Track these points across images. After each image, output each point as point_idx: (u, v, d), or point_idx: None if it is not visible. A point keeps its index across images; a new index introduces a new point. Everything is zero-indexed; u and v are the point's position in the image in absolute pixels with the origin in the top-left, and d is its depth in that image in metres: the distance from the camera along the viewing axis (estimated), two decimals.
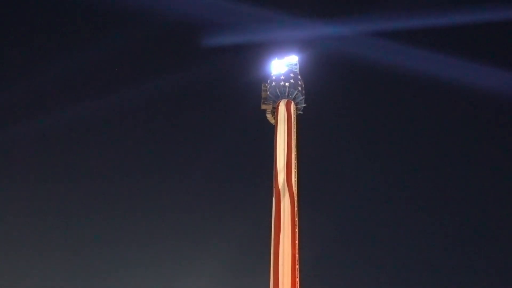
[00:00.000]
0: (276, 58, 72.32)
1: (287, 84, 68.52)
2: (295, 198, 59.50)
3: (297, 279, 54.75)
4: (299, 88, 68.86)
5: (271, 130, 66.98)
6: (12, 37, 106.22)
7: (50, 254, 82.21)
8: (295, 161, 62.68)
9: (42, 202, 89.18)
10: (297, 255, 55.78)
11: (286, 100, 67.85)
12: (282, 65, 71.45)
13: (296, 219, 58.21)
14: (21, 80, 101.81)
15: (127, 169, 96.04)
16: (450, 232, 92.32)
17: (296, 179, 61.35)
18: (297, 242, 56.54)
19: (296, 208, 58.86)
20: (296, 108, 68.38)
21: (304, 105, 69.19)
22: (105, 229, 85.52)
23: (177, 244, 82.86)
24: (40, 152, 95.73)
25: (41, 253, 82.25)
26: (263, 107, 69.32)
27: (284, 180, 60.48)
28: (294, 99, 68.33)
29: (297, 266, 55.29)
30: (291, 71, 70.64)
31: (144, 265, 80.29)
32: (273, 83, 69.17)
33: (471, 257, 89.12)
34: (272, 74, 70.81)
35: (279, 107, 67.34)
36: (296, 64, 72.06)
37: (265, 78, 71.28)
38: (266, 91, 69.48)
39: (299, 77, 70.30)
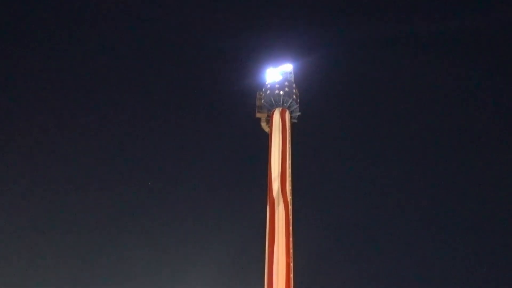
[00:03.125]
0: (271, 67, 72.35)
1: (281, 92, 68.50)
2: (290, 207, 59.20)
3: None
4: (294, 97, 68.82)
5: (266, 139, 66.86)
6: (13, 38, 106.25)
7: (46, 257, 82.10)
8: (290, 170, 62.50)
9: (41, 204, 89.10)
10: (291, 264, 55.35)
11: (280, 109, 67.78)
12: (277, 74, 71.45)
13: (291, 228, 57.83)
14: (21, 79, 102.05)
15: (122, 174, 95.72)
16: (446, 236, 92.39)
17: (290, 188, 61.10)
18: (291, 251, 56.16)
19: (290, 217, 58.56)
20: (291, 117, 68.34)
21: (298, 113, 69.15)
22: (99, 233, 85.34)
23: (169, 252, 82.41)
24: (39, 154, 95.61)
25: (40, 256, 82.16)
26: (258, 115, 69.30)
27: (278, 188, 60.24)
28: (288, 108, 68.27)
29: (291, 276, 54.82)
30: (286, 79, 70.65)
31: (136, 270, 79.75)
32: (268, 92, 69.15)
33: (467, 257, 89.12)
34: (267, 83, 70.80)
35: (274, 116, 67.26)
36: (291, 73, 72.11)
37: (259, 86, 71.28)
38: (260, 99, 69.51)
39: (294, 85, 70.29)
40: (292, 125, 67.79)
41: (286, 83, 69.76)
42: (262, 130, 68.94)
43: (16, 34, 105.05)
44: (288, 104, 68.27)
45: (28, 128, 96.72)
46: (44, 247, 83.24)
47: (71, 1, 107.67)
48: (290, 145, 64.76)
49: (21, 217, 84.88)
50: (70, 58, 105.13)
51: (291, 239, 56.81)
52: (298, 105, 69.09)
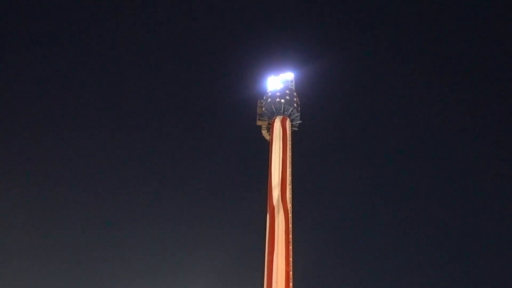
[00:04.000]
0: (272, 75, 72.68)
1: (282, 100, 68.68)
2: (290, 215, 59.07)
3: None
4: (295, 105, 69.01)
5: (266, 146, 66.93)
6: (13, 38, 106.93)
7: (46, 257, 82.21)
8: (290, 177, 62.46)
9: (41, 205, 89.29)
10: (291, 273, 55.14)
11: (281, 117, 67.92)
12: (278, 82, 71.77)
13: (291, 236, 57.62)
14: (23, 78, 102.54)
15: (124, 178, 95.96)
16: (445, 241, 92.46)
17: (290, 196, 61.01)
18: (291, 259, 55.97)
19: (290, 225, 58.41)
20: (292, 125, 68.45)
21: (299, 121, 69.28)
22: (100, 234, 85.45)
23: (169, 258, 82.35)
24: (39, 154, 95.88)
25: (40, 256, 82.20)
26: (259, 123, 69.42)
27: (278, 196, 60.11)
28: (289, 116, 68.43)
29: (291, 284, 54.59)
30: (286, 87, 70.90)
31: (136, 275, 79.71)
32: (269, 100, 69.35)
33: (466, 257, 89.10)
34: (268, 91, 71.04)
35: (275, 124, 67.37)
36: (291, 81, 72.39)
37: (261, 95, 71.56)
38: (261, 107, 69.69)
39: (295, 94, 70.50)
40: (293, 133, 67.83)
41: (287, 92, 69.98)
42: (263, 137, 69.03)
43: (16, 34, 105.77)
44: (289, 112, 68.43)
45: (28, 128, 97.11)
46: (44, 247, 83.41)
47: (72, 1, 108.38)
48: (290, 153, 64.74)
49: (21, 217, 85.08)
50: (71, 60, 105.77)
51: (290, 247, 56.61)
52: (299, 114, 69.21)
